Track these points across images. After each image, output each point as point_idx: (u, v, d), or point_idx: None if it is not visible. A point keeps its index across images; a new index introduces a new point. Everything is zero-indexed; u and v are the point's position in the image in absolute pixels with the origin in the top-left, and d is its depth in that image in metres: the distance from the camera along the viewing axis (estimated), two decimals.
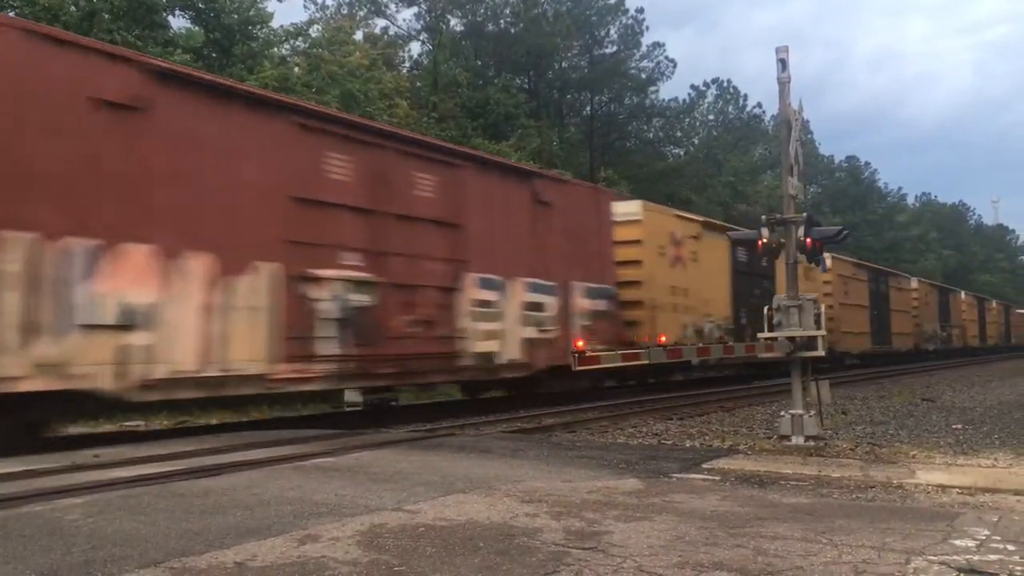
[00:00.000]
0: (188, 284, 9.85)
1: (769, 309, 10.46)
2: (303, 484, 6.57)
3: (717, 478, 7.31)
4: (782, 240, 10.38)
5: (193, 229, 9.94)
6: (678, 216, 21.42)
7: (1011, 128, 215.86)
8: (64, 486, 6.37)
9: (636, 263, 18.73)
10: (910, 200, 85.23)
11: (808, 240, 10.17)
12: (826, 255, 27.22)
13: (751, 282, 24.01)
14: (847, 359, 32.64)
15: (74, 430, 12.19)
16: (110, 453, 8.15)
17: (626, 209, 19.10)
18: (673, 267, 19.96)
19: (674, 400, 17.42)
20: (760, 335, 10.63)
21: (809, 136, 62.57)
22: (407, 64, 38.99)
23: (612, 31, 43.32)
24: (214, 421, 13.60)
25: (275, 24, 23.54)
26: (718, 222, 25.29)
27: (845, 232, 11.66)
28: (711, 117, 55.64)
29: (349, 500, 5.94)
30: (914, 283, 41.54)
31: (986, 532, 5.12)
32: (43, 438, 9.16)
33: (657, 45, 44.45)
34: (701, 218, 23.27)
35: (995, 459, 8.70)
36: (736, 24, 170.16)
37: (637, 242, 18.81)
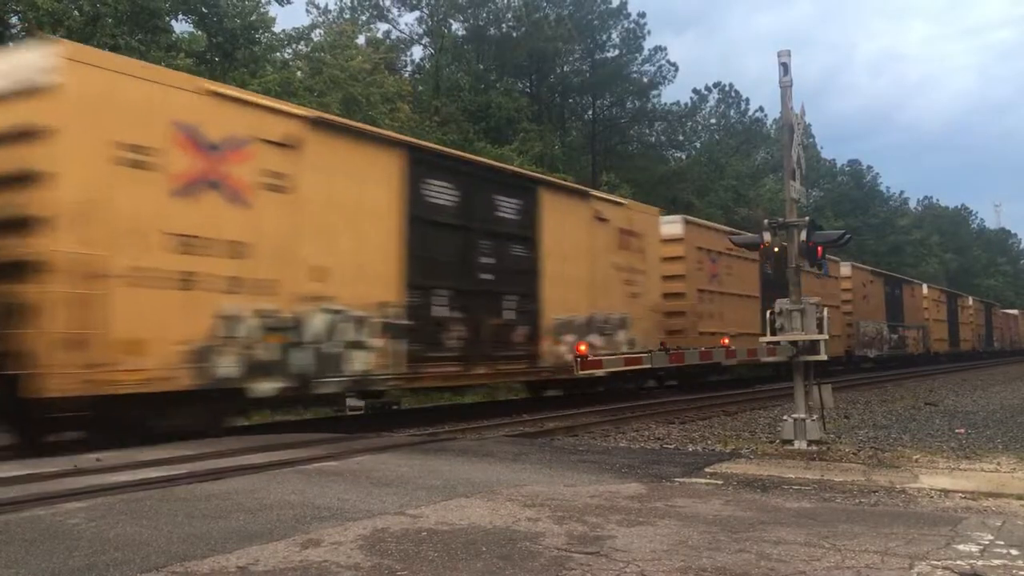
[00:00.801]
0: None
1: (771, 313, 10.46)
2: (305, 488, 6.57)
3: (720, 482, 7.30)
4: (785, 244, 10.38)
5: None
6: (214, 93, 10.45)
7: (1014, 132, 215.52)
8: (66, 490, 6.37)
9: (27, 179, 8.82)
10: (912, 204, 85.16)
11: (810, 244, 10.18)
12: (678, 217, 21.29)
13: (470, 243, 14.17)
14: (711, 375, 22.42)
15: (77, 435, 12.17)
16: (112, 457, 8.14)
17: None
18: (184, 197, 9.92)
19: (676, 404, 17.40)
20: (762, 339, 10.61)
21: (811, 140, 62.57)
22: (409, 68, 39.13)
23: (614, 35, 43.36)
24: None
25: (277, 28, 23.64)
26: (365, 127, 13.97)
27: (847, 236, 11.67)
28: (713, 121, 55.61)
29: (351, 504, 5.93)
30: (846, 269, 32.82)
31: (989, 537, 5.11)
32: (47, 443, 9.15)
33: (659, 49, 44.50)
34: (308, 112, 12.07)
35: (998, 463, 8.69)
36: (738, 28, 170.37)
37: (34, 134, 8.84)
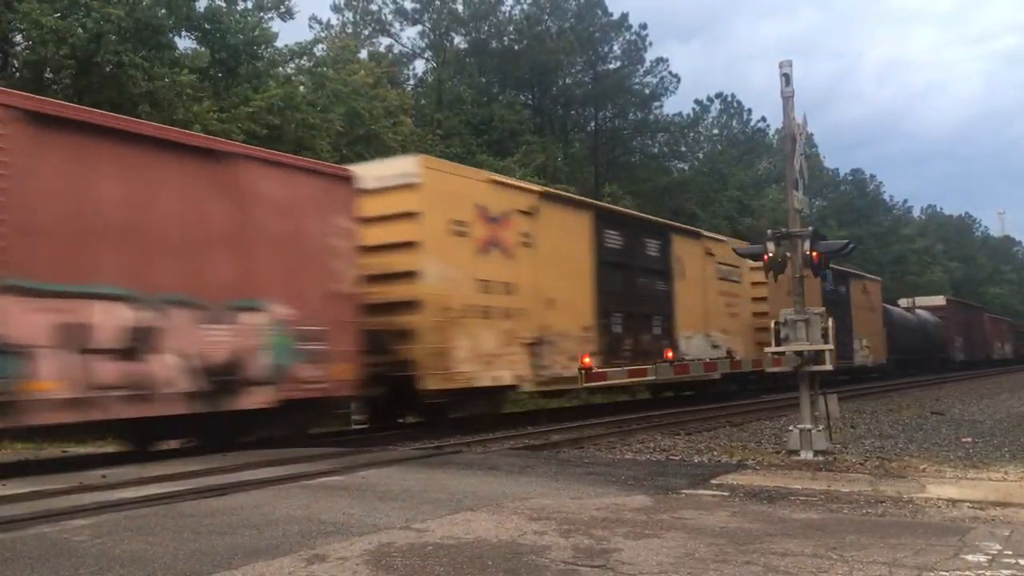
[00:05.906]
0: None
1: (776, 323, 10.44)
2: (310, 503, 6.56)
3: (726, 494, 7.27)
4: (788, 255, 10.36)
5: None
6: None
7: (1018, 139, 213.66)
8: (72, 507, 6.37)
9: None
10: (916, 212, 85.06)
11: (814, 254, 10.17)
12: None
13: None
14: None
15: (82, 450, 12.20)
16: (117, 473, 8.14)
17: None
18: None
19: (682, 415, 17.37)
20: (767, 349, 10.59)
21: (814, 149, 62.52)
22: (411, 82, 39.28)
23: (615, 47, 43.55)
24: None
25: (280, 43, 23.75)
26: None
27: (851, 246, 11.66)
28: (715, 132, 55.76)
29: (357, 519, 5.92)
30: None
31: (998, 547, 5.08)
32: (51, 460, 9.16)
33: (660, 60, 44.74)
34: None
35: (1005, 472, 8.64)
36: (744, 36, 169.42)
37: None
